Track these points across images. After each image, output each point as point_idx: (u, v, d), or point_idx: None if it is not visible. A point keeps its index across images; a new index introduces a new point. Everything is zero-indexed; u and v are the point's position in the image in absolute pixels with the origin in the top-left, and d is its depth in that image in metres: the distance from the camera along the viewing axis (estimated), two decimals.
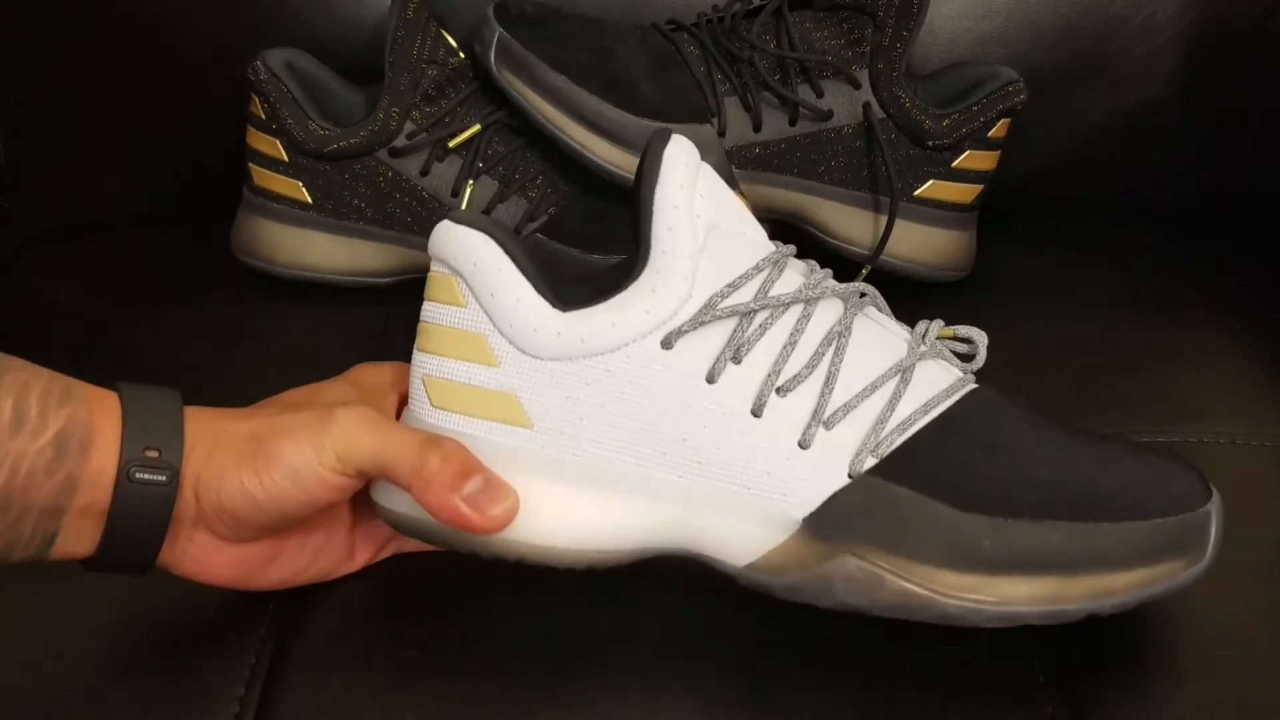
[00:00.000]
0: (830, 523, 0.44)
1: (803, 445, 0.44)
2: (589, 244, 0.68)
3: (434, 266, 0.47)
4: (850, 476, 0.44)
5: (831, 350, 0.45)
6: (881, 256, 0.69)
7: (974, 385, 0.47)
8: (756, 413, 0.44)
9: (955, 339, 0.48)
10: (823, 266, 0.47)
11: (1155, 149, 0.80)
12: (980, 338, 0.48)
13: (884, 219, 0.68)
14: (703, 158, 0.68)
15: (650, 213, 0.44)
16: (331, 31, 0.75)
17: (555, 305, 0.44)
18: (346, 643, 0.47)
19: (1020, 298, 0.72)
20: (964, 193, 0.70)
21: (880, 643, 0.46)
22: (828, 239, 0.70)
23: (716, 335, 0.44)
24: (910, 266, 0.70)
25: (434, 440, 0.45)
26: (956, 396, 0.45)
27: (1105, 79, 0.77)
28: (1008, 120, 0.69)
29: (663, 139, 0.45)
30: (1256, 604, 0.49)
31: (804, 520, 0.44)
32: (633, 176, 0.69)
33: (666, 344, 0.44)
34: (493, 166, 0.68)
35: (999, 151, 0.70)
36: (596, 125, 0.66)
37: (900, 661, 0.46)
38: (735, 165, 0.67)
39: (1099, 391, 0.62)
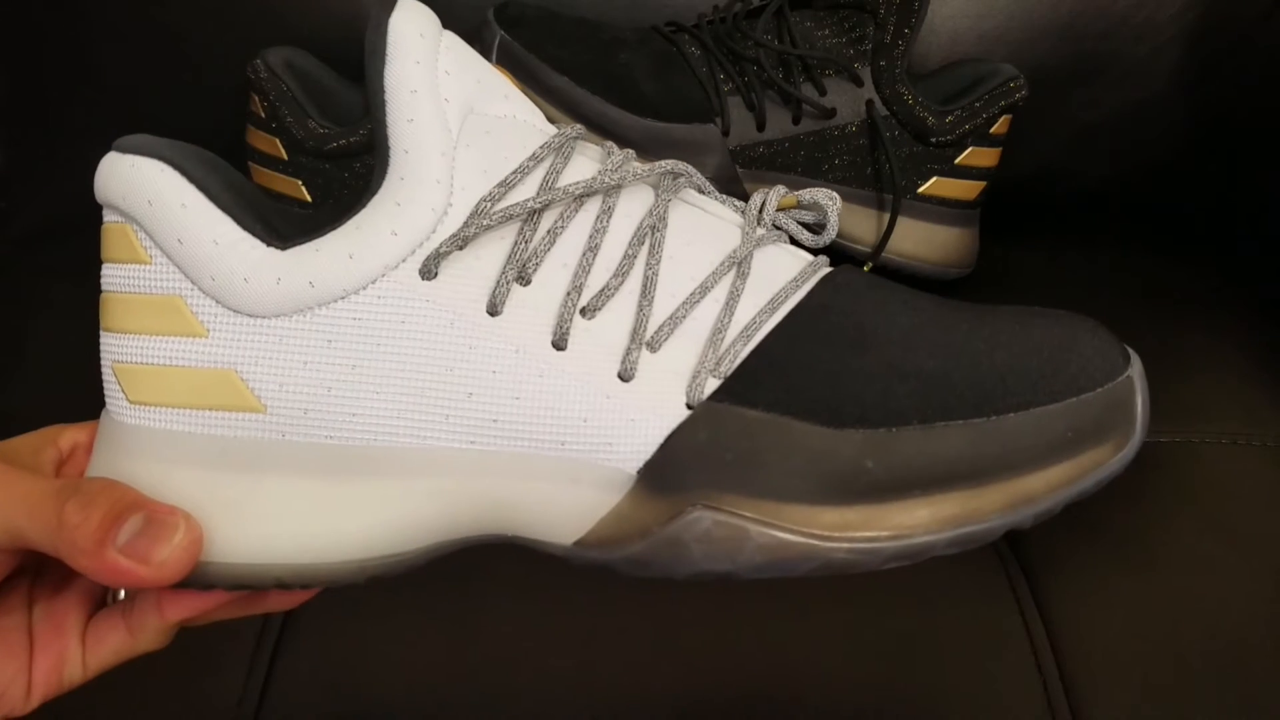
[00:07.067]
0: (671, 471, 0.34)
1: (623, 377, 0.34)
2: None
3: (106, 216, 0.36)
4: (689, 407, 0.34)
5: (645, 249, 0.35)
6: (885, 254, 0.69)
7: (827, 269, 0.37)
8: (559, 344, 0.34)
9: (800, 207, 0.39)
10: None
11: (1155, 148, 0.80)
12: (830, 202, 0.38)
13: (887, 216, 0.68)
14: (705, 158, 0.69)
15: (382, 103, 0.33)
16: (330, 30, 0.75)
17: (270, 243, 0.33)
18: (346, 628, 0.47)
19: (1020, 296, 0.72)
20: (967, 189, 0.70)
21: (879, 643, 0.46)
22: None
23: (492, 253, 0.34)
24: (914, 264, 0.70)
25: (71, 486, 0.33)
26: (808, 286, 0.36)
27: (1106, 78, 0.77)
28: (1009, 117, 0.69)
29: (386, 7, 0.34)
30: (1257, 603, 0.49)
31: (638, 474, 0.34)
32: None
33: (427, 273, 0.33)
34: None
35: (1001, 148, 0.71)
36: (599, 126, 0.66)
37: (900, 668, 0.46)
38: (739, 165, 0.67)
39: None
